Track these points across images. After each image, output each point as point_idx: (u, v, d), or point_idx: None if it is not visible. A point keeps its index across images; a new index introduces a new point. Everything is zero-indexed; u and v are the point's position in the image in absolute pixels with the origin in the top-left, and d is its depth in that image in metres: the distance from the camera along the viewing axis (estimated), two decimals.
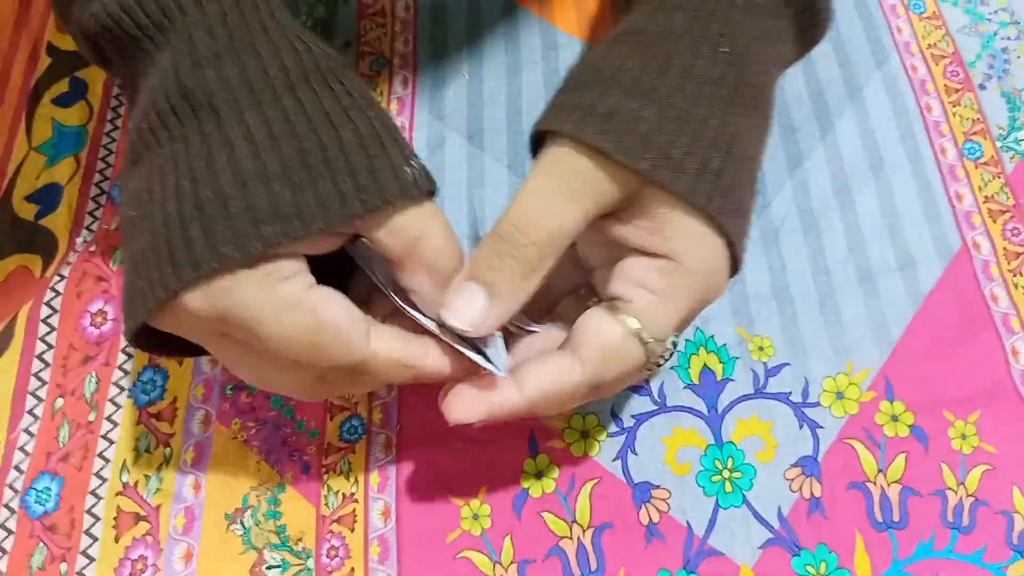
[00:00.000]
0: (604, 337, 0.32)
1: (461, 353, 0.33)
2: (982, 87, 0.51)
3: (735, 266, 0.34)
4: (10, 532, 0.39)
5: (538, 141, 0.34)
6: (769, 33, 0.35)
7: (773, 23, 0.35)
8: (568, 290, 0.37)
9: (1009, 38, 0.53)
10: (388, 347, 0.32)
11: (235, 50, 0.32)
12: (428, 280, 0.32)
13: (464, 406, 0.33)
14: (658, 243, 0.32)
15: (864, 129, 0.49)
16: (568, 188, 0.32)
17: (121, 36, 0.33)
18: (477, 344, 0.33)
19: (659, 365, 0.33)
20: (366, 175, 0.31)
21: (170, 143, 0.32)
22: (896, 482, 0.40)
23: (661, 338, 0.32)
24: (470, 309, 0.32)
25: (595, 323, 0.33)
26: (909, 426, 0.41)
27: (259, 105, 0.31)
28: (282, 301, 0.30)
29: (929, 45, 0.53)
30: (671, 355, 0.33)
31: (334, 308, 0.31)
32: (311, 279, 0.31)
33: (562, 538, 0.39)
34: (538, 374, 0.32)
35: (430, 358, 0.33)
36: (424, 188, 0.32)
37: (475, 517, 0.39)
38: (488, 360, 0.32)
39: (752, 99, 0.34)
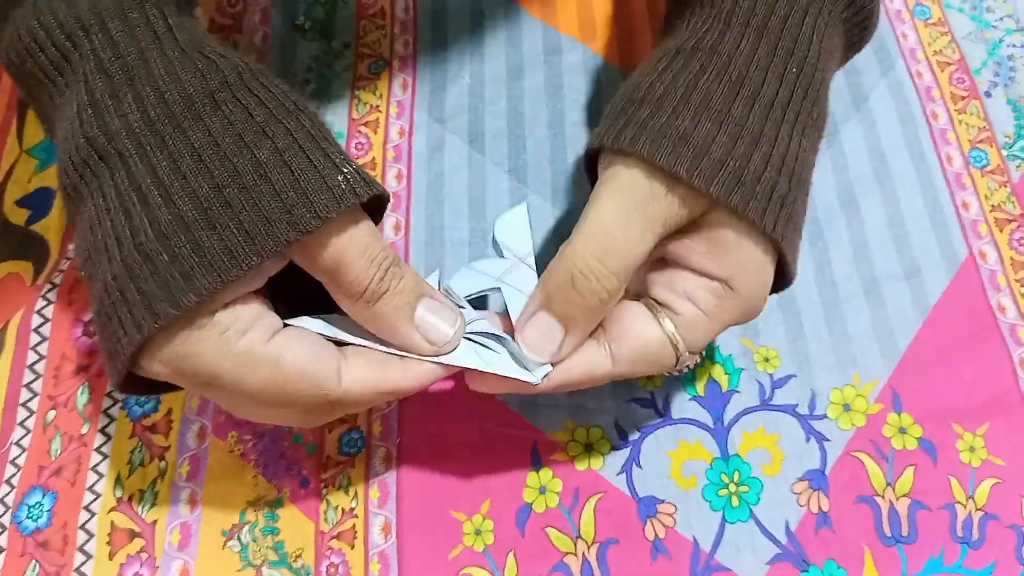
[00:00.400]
0: (643, 339, 0.32)
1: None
2: (988, 94, 0.51)
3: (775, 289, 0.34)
4: (1, 550, 0.38)
5: (593, 154, 0.34)
6: (828, 49, 0.35)
7: (832, 40, 0.35)
8: None
9: (1015, 45, 0.52)
10: (362, 379, 0.31)
11: (131, 82, 0.30)
12: (353, 305, 0.31)
13: (487, 378, 0.32)
14: (716, 268, 0.32)
15: (870, 137, 0.49)
16: (644, 213, 0.31)
17: (28, 81, 0.32)
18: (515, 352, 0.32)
19: (681, 372, 0.33)
20: (292, 194, 0.28)
21: (91, 198, 0.30)
22: (905, 496, 0.39)
23: (695, 351, 0.33)
24: (548, 342, 0.32)
25: (635, 322, 0.32)
26: (917, 439, 0.40)
27: (163, 144, 0.29)
28: (241, 358, 0.29)
29: (935, 52, 0.52)
30: (695, 364, 0.33)
31: (298, 354, 0.30)
32: (271, 323, 0.30)
33: (567, 554, 0.38)
34: (569, 364, 0.32)
35: (410, 377, 0.32)
36: (362, 194, 0.29)
37: (477, 533, 0.38)
38: (517, 361, 0.32)
39: (814, 120, 0.34)
